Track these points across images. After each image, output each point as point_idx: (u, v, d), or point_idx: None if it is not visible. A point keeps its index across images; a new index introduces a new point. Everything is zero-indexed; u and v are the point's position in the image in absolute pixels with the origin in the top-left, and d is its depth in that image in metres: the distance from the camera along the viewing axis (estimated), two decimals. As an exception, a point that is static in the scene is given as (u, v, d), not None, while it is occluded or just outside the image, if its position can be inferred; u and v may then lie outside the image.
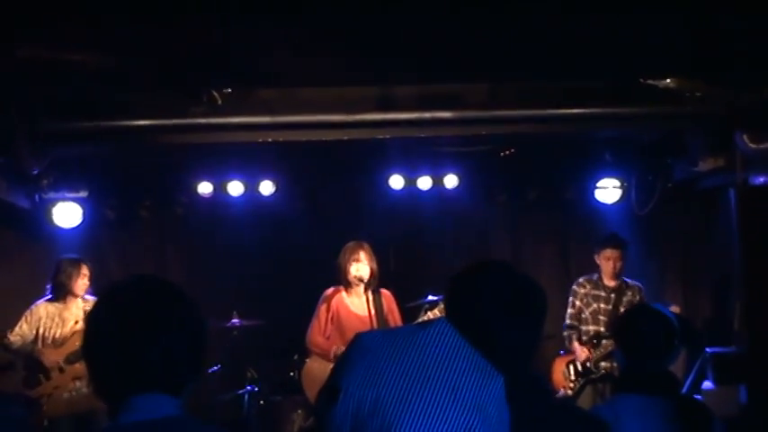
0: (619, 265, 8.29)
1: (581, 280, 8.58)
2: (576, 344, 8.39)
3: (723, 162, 7.62)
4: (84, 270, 7.84)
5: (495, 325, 2.54)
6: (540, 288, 2.75)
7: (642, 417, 3.61)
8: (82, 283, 7.79)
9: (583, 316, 8.42)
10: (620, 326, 4.03)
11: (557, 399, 2.73)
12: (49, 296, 7.86)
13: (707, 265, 9.56)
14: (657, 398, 3.67)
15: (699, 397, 7.50)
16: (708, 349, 7.81)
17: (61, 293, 7.79)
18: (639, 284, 8.46)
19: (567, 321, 8.54)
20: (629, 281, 8.44)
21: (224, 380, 8.63)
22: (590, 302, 8.41)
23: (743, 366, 7.34)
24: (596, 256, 8.43)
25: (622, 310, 8.16)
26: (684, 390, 7.93)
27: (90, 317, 2.38)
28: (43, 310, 7.77)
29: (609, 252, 8.30)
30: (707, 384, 7.67)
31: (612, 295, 8.33)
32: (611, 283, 8.37)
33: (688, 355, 8.50)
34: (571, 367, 8.38)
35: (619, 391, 3.82)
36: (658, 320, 3.79)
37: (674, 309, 6.98)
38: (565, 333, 8.55)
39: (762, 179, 7.22)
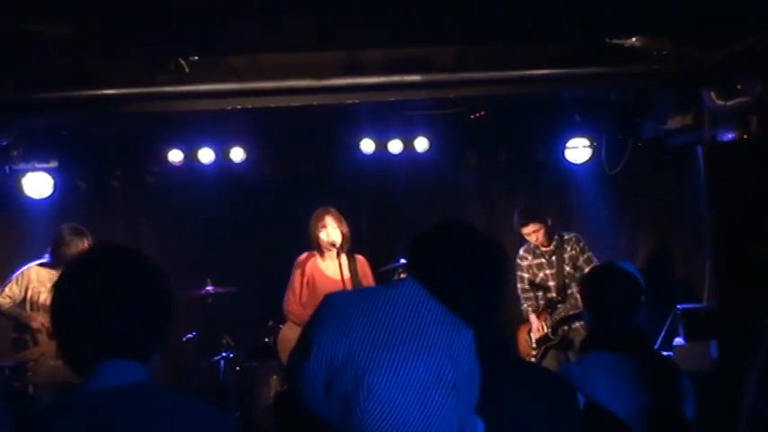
0: (542, 233, 8.38)
1: (521, 252, 8.67)
2: (532, 317, 8.51)
3: (691, 120, 7.67)
4: (87, 244, 7.80)
5: (454, 284, 2.57)
6: (500, 246, 2.77)
7: (612, 374, 3.63)
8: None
9: (536, 283, 8.53)
10: (587, 285, 4.05)
11: (518, 355, 2.77)
12: (46, 260, 7.87)
13: (678, 222, 9.59)
14: (627, 355, 3.70)
15: (670, 353, 7.57)
16: (679, 306, 7.85)
17: (59, 262, 7.73)
18: (575, 235, 8.57)
19: (522, 294, 8.65)
20: (564, 235, 8.55)
21: (199, 347, 8.63)
22: (536, 272, 8.56)
23: (714, 322, 7.40)
24: (519, 231, 8.53)
25: (566, 268, 8.29)
26: (656, 346, 8.01)
27: (56, 286, 2.39)
28: (34, 273, 7.80)
29: (528, 229, 8.40)
30: (678, 340, 7.72)
31: (553, 258, 8.44)
32: (546, 248, 8.49)
33: (658, 312, 8.58)
34: (531, 335, 8.51)
35: (588, 350, 3.84)
36: (624, 278, 3.82)
37: None
38: (522, 306, 8.65)
39: (729, 135, 7.26)
